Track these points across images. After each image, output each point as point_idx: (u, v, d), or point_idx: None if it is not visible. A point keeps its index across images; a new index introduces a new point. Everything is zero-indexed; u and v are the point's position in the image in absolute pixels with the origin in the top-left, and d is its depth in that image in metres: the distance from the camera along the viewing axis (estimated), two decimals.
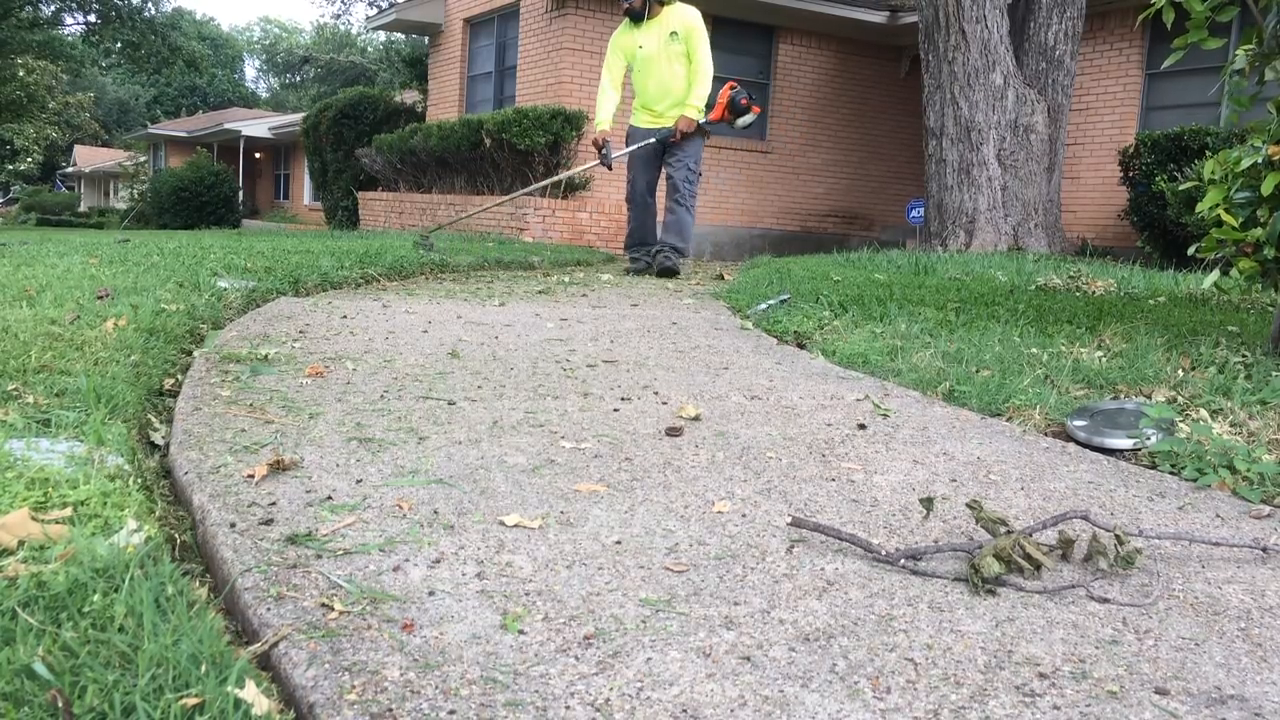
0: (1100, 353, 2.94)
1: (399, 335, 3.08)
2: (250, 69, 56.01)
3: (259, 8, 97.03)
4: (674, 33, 6.39)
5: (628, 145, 6.63)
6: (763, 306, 4.10)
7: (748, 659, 1.09)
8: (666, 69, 6.47)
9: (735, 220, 11.56)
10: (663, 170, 6.73)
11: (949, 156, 8.38)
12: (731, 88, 6.61)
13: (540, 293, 4.76)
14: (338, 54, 40.77)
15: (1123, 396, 2.42)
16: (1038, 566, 1.35)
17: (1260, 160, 2.74)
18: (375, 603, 1.16)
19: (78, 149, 41.05)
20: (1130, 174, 8.29)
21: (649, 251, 6.69)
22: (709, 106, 6.55)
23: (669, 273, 6.52)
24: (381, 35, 35.97)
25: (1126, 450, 2.06)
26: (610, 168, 6.67)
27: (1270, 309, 3.95)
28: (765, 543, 1.45)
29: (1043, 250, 8.13)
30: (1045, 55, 8.51)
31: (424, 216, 11.66)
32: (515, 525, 1.45)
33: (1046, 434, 2.22)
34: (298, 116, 22.19)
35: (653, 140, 6.50)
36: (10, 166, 42.23)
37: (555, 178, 8.02)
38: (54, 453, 1.52)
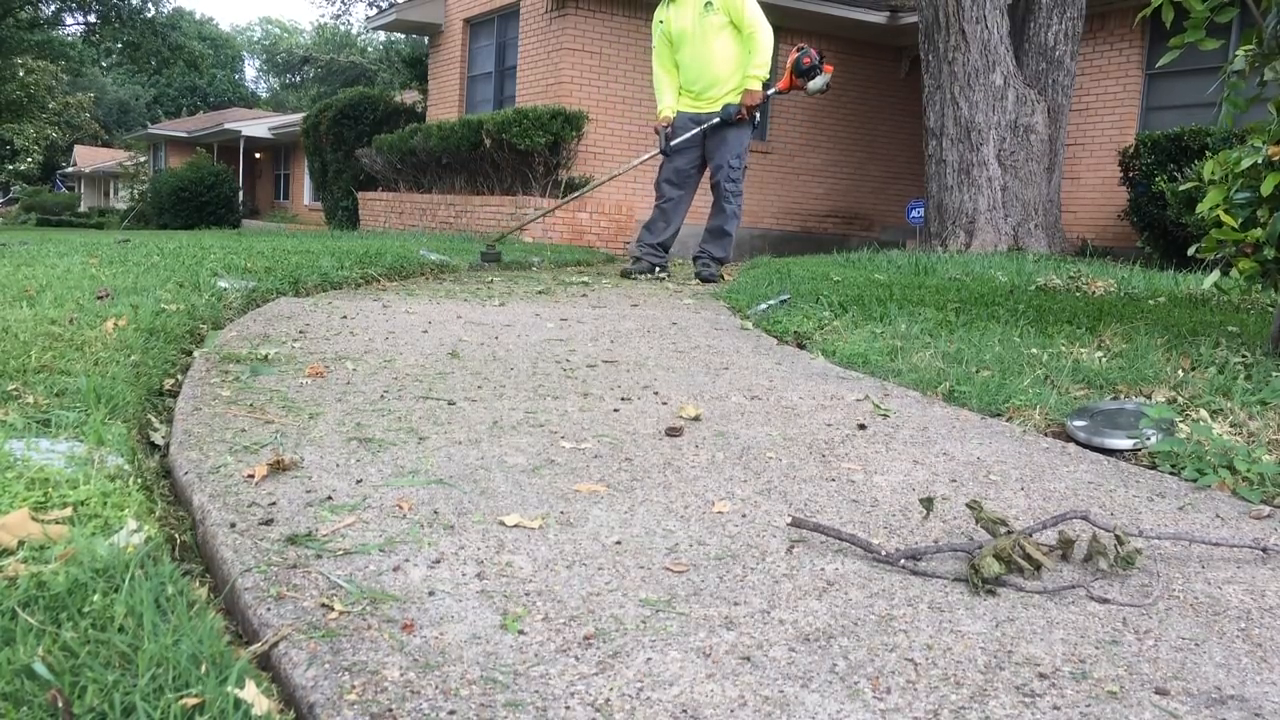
0: (1100, 353, 2.94)
1: (399, 335, 3.08)
2: (250, 69, 56.06)
3: (259, 8, 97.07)
4: (709, 2, 5.65)
5: (676, 131, 5.96)
6: (763, 307, 4.10)
7: (748, 659, 1.09)
8: (702, 45, 5.74)
9: None
10: (704, 164, 6.08)
11: (949, 157, 8.39)
12: (798, 48, 5.93)
13: (540, 293, 4.76)
14: (338, 54, 40.80)
15: (1123, 397, 2.42)
16: (1038, 567, 1.35)
17: (1260, 160, 2.74)
18: (375, 603, 1.16)
19: (78, 149, 41.05)
20: (1130, 174, 8.30)
21: (655, 251, 6.10)
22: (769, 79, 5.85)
23: (711, 280, 5.91)
24: (381, 35, 36.01)
25: (1126, 450, 2.06)
26: (669, 154, 5.96)
27: (1270, 309, 3.95)
28: (765, 543, 1.45)
29: (1043, 250, 8.14)
30: (1045, 55, 8.51)
31: (424, 217, 11.66)
32: (515, 525, 1.45)
33: (1046, 434, 2.22)
34: (298, 117, 22.20)
35: (715, 121, 5.77)
36: (10, 166, 42.25)
37: (620, 170, 7.15)
38: (54, 453, 1.52)
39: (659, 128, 5.97)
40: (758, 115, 5.84)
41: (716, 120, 5.77)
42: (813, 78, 5.77)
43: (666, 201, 6.10)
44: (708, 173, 6.07)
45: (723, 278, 6.17)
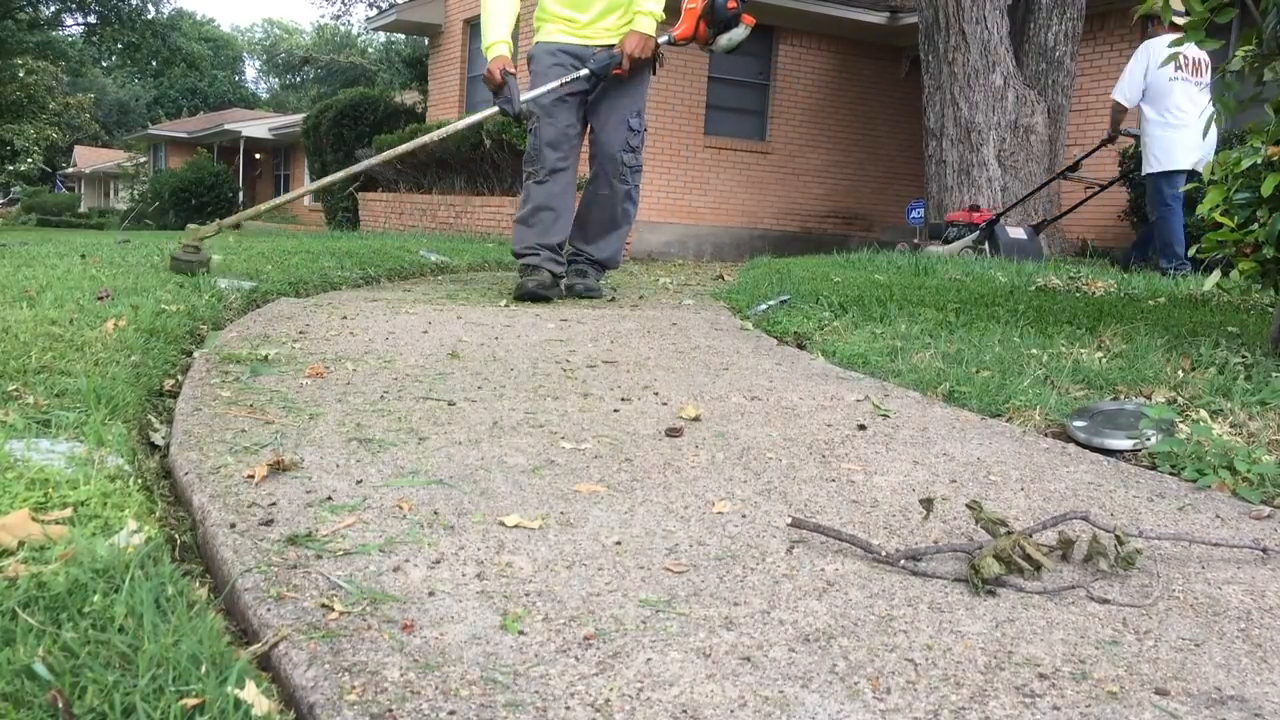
0: (1100, 353, 2.94)
1: (399, 336, 3.08)
2: (251, 70, 56.10)
3: (261, 9, 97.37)
4: None
5: (535, 77, 4.23)
6: (762, 307, 4.10)
7: (748, 659, 1.09)
8: None
9: (735, 221, 11.56)
10: (585, 125, 4.38)
11: (949, 157, 8.39)
12: None
13: None
14: (338, 55, 40.81)
15: (1123, 397, 2.42)
16: (1038, 567, 1.35)
17: (1259, 161, 2.74)
18: (375, 603, 1.16)
19: (78, 150, 41.08)
20: (1131, 174, 8.30)
21: (555, 256, 4.33)
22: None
23: (590, 295, 4.42)
24: (382, 36, 36.02)
25: (1126, 451, 2.06)
26: (518, 116, 4.12)
27: (1270, 309, 3.95)
28: (765, 543, 1.45)
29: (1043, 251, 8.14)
30: (1045, 56, 8.51)
31: (424, 217, 11.66)
32: (515, 526, 1.45)
33: (1046, 435, 2.22)
34: (298, 117, 22.22)
35: (583, 74, 4.15)
36: (10, 167, 42.27)
37: (416, 143, 4.49)
38: (54, 453, 1.52)
39: (496, 76, 4.05)
40: (659, 63, 4.30)
41: (585, 74, 4.17)
42: (728, 28, 4.32)
43: (551, 176, 4.26)
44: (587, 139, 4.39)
45: (608, 292, 4.62)
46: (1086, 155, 7.28)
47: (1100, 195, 7.80)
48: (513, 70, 4.07)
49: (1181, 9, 6.38)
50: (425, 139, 4.53)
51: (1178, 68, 6.16)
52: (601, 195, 4.39)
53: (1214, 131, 6.01)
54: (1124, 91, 6.39)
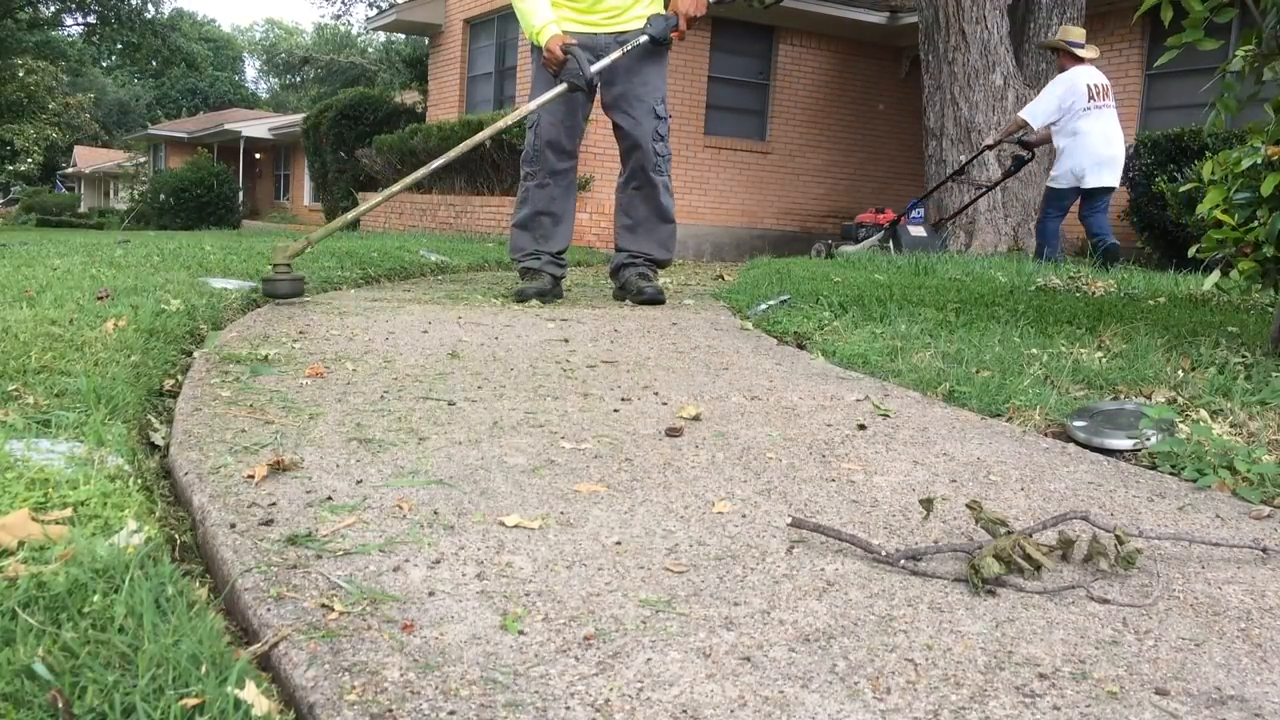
0: (1100, 353, 2.94)
1: (399, 335, 3.08)
2: (251, 70, 56.11)
3: (261, 9, 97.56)
4: None
5: (540, 69, 4.09)
6: (762, 307, 4.10)
7: (748, 659, 1.09)
8: None
9: (735, 220, 11.56)
10: (586, 123, 4.24)
11: (949, 157, 8.39)
12: None
13: None
14: (338, 54, 40.80)
15: (1123, 397, 2.42)
16: (1038, 567, 1.35)
17: (1259, 161, 2.74)
18: (375, 603, 1.16)
19: (78, 150, 41.08)
20: (1130, 175, 8.30)
21: (555, 260, 4.28)
22: None
23: (655, 302, 4.28)
24: (382, 36, 36.02)
25: (1126, 451, 2.06)
26: (592, 87, 3.99)
27: (1270, 309, 3.95)
28: (765, 543, 1.45)
29: None
30: (1045, 56, 8.51)
31: (424, 217, 11.66)
32: (515, 526, 1.45)
33: (1046, 434, 2.22)
34: (298, 117, 22.23)
35: (644, 41, 3.98)
36: (10, 167, 42.30)
37: (500, 124, 4.18)
38: (54, 453, 1.52)
39: (557, 52, 3.88)
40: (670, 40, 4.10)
41: (646, 40, 3.97)
42: None
43: (552, 178, 4.12)
44: (616, 135, 4.21)
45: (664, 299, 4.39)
46: (969, 160, 7.83)
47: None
48: (573, 41, 3.91)
49: (1080, 41, 6.97)
50: (488, 132, 4.18)
51: (1090, 98, 6.63)
52: (644, 192, 4.27)
53: (1120, 145, 6.48)
54: (1035, 114, 6.80)
